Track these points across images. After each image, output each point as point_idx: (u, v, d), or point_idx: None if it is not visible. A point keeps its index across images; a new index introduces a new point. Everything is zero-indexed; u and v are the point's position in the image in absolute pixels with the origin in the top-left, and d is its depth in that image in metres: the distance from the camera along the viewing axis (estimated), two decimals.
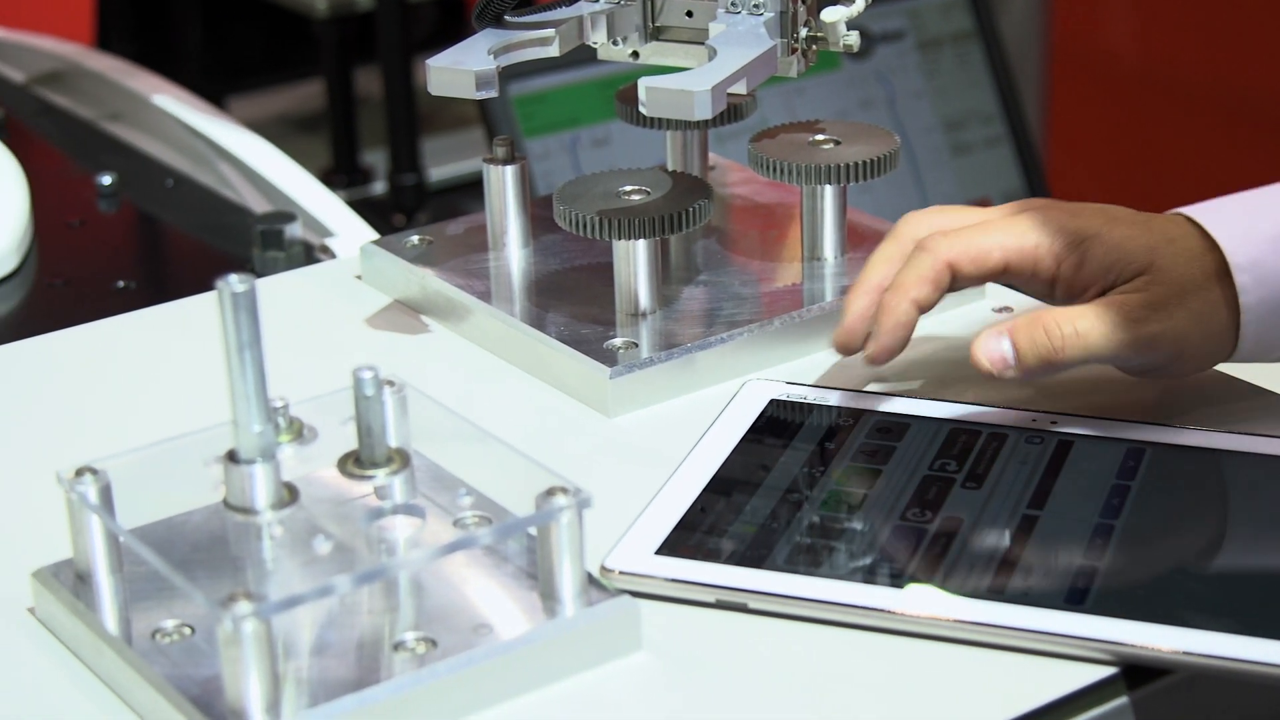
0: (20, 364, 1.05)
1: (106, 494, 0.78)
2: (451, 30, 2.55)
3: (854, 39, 1.00)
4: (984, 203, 1.95)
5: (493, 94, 0.98)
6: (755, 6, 0.99)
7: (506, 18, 1.01)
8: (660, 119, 1.10)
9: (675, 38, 1.03)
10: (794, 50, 1.00)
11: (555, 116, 1.78)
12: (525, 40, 1.01)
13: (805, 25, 1.00)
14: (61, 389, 1.02)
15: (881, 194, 1.89)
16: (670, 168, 1.14)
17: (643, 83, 0.93)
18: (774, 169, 1.04)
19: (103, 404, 1.00)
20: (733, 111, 1.11)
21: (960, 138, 1.94)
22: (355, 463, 0.81)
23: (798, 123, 1.08)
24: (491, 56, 0.98)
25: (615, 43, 1.03)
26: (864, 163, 1.04)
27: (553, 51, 1.02)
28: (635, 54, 1.03)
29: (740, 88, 0.95)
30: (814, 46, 1.01)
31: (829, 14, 0.99)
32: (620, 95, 1.11)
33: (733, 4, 0.99)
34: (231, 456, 0.77)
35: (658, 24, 1.03)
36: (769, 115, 1.85)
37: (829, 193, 1.06)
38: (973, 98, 1.95)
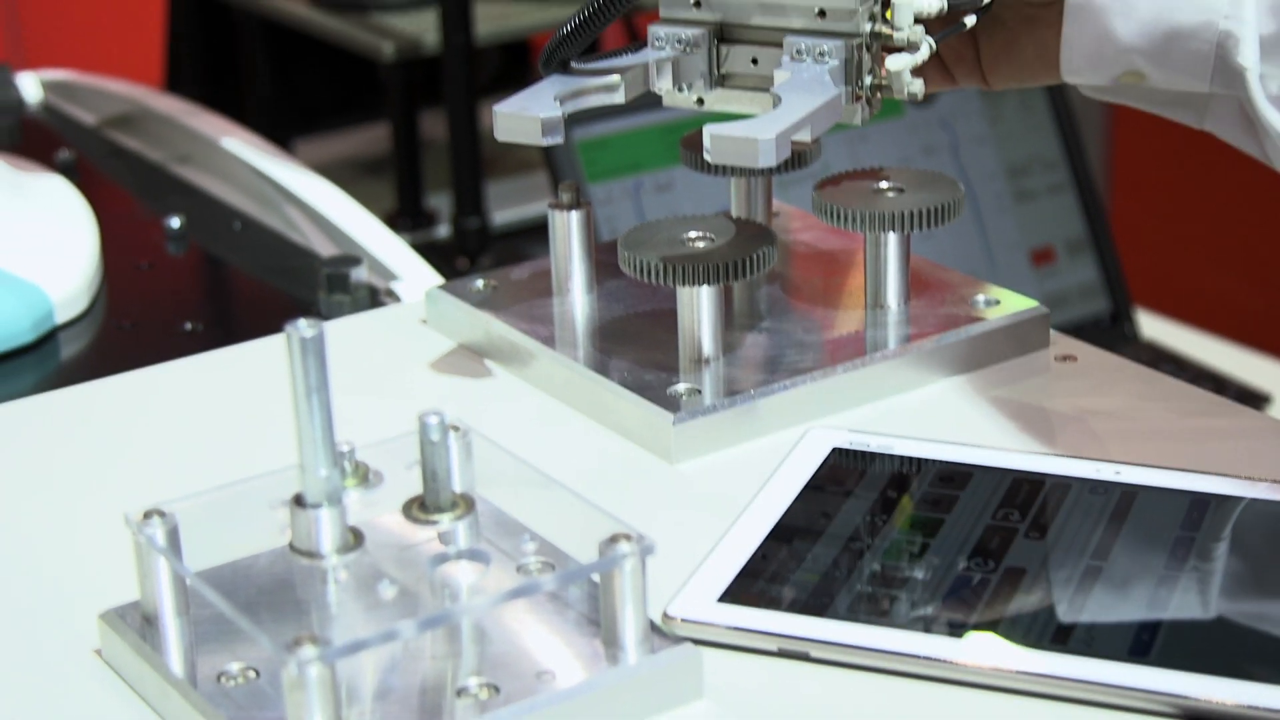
0: (89, 406, 1.06)
1: (174, 537, 0.78)
2: (516, 74, 2.56)
3: (918, 87, 1.00)
4: (1047, 251, 1.94)
5: (558, 140, 0.98)
6: (820, 54, 0.98)
7: (573, 64, 1.02)
8: (723, 165, 1.10)
9: (740, 85, 1.03)
10: (858, 98, 1.00)
11: (619, 161, 1.79)
12: (591, 87, 1.01)
13: (870, 73, 1.00)
14: (129, 431, 1.03)
15: (944, 241, 1.89)
16: (734, 214, 1.14)
17: (708, 130, 0.93)
18: (838, 216, 1.04)
19: (170, 447, 1.00)
20: (796, 158, 1.11)
21: (1023, 184, 1.94)
22: (420, 507, 0.82)
23: (861, 170, 1.09)
24: (557, 103, 0.99)
25: (680, 89, 1.03)
26: (927, 210, 1.04)
27: (618, 98, 1.02)
28: (700, 101, 1.03)
29: (804, 135, 0.95)
30: (878, 94, 1.01)
31: (893, 62, 0.99)
32: (685, 141, 1.11)
33: (798, 51, 0.98)
34: (298, 500, 0.77)
35: (723, 71, 1.03)
36: (832, 162, 1.85)
37: (892, 240, 1.06)
38: (1036, 144, 1.95)
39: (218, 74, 2.41)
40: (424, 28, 2.11)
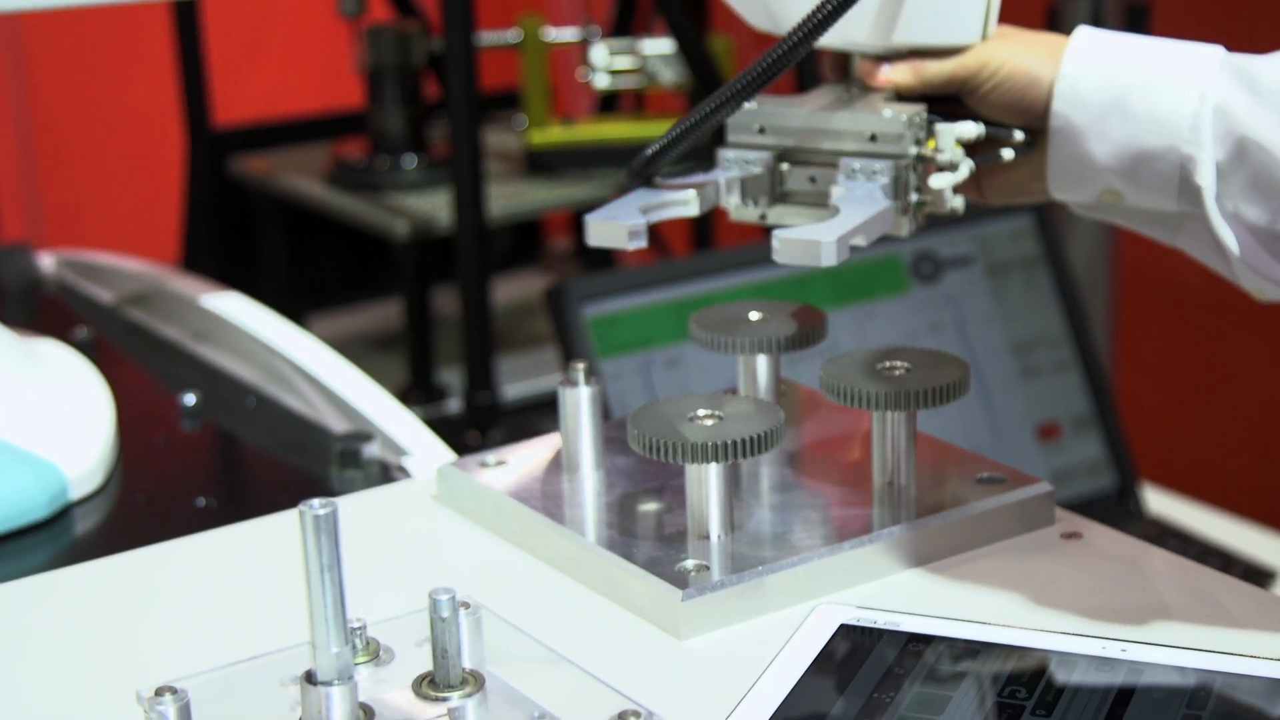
0: (102, 583, 1.06)
1: (185, 713, 0.79)
2: (527, 251, 2.59)
3: (959, 202, 1.08)
4: (1053, 427, 1.96)
5: (642, 245, 1.05)
6: (872, 173, 1.06)
7: (655, 179, 1.09)
8: (732, 343, 1.12)
9: (799, 201, 1.10)
10: (905, 212, 1.08)
11: (628, 338, 1.81)
12: (670, 201, 1.08)
13: (916, 190, 1.07)
14: (142, 608, 1.03)
15: (951, 416, 1.90)
16: (743, 391, 1.16)
17: (776, 233, 0.99)
18: (845, 394, 1.06)
19: (183, 623, 1.01)
20: (804, 337, 1.13)
21: (1029, 361, 1.96)
22: (430, 684, 0.82)
23: (867, 349, 1.10)
24: (641, 214, 1.05)
25: (745, 204, 1.10)
26: (934, 389, 1.05)
27: (692, 211, 1.09)
28: (763, 215, 1.11)
29: (860, 240, 1.02)
30: (923, 209, 1.08)
31: (936, 180, 1.07)
32: (694, 319, 1.13)
33: (853, 170, 1.07)
34: (309, 678, 0.78)
35: (784, 189, 1.10)
36: (840, 338, 1.87)
37: (899, 418, 1.07)
38: (1041, 322, 1.97)
39: (233, 252, 2.44)
40: (437, 207, 2.14)
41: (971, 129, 1.07)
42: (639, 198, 1.07)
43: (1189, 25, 2.49)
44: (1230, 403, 2.60)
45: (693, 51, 2.13)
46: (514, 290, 2.51)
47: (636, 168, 1.08)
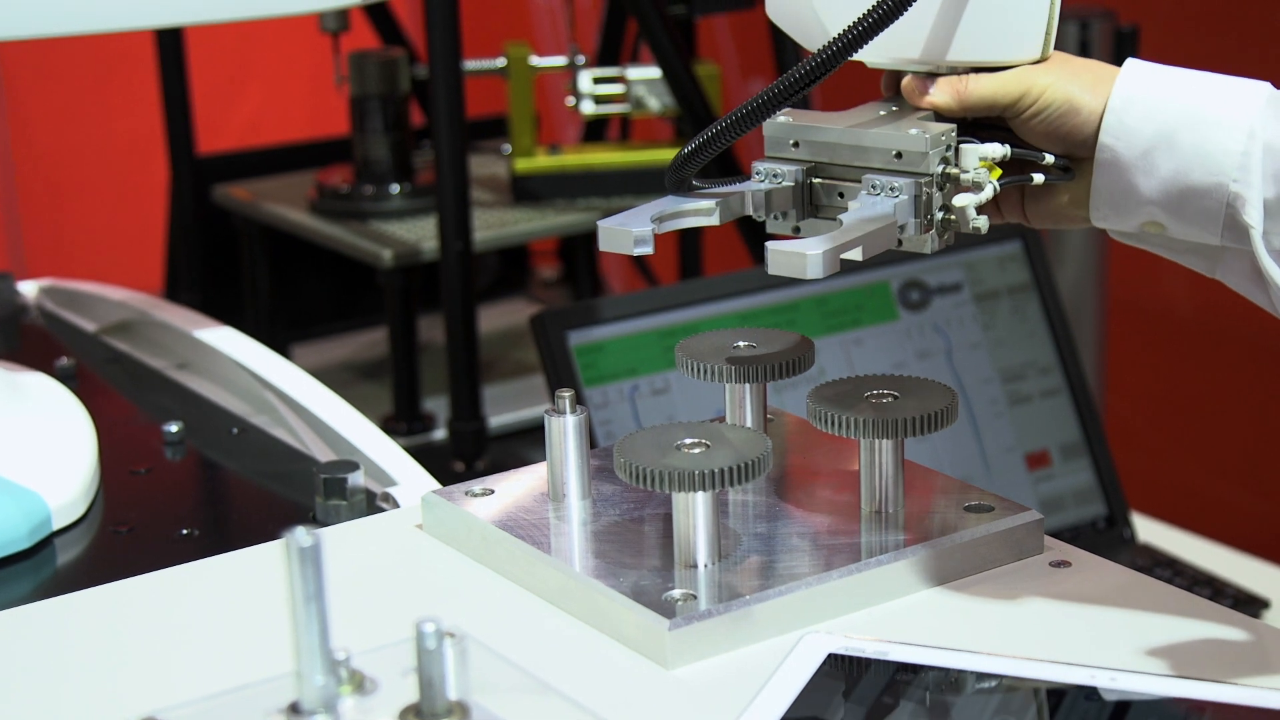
0: (85, 614, 1.06)
1: None
2: (513, 279, 2.58)
3: (982, 223, 1.07)
4: (1043, 455, 1.95)
5: (648, 251, 1.05)
6: (891, 189, 1.06)
7: (694, 182, 1.10)
8: (719, 372, 1.12)
9: (828, 215, 1.10)
10: (929, 229, 1.07)
11: (615, 366, 1.80)
12: (689, 210, 1.08)
13: (941, 209, 1.07)
14: (125, 639, 1.02)
15: (939, 445, 1.90)
16: (729, 419, 1.15)
17: (769, 245, 1.00)
18: (832, 423, 1.05)
19: (166, 653, 1.00)
20: (791, 365, 1.12)
21: (1018, 388, 1.95)
22: (416, 715, 0.82)
23: (854, 377, 1.10)
24: (654, 221, 1.06)
25: (776, 218, 1.10)
26: (921, 417, 1.05)
27: (713, 221, 1.09)
28: (797, 229, 1.11)
29: (856, 254, 1.02)
30: (948, 228, 1.08)
31: (959, 200, 1.07)
32: (681, 347, 1.13)
33: (873, 187, 1.07)
34: (294, 708, 0.77)
35: (814, 202, 1.11)
36: (827, 366, 1.86)
37: (887, 446, 1.07)
38: (1030, 349, 1.97)
39: (217, 280, 2.43)
40: (423, 235, 2.14)
41: (997, 150, 1.07)
42: (658, 206, 1.08)
43: (1178, 48, 2.50)
44: (1220, 431, 2.59)
45: (679, 78, 2.13)
46: (500, 318, 2.50)
47: (671, 173, 1.10)
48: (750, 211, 1.10)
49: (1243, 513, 2.59)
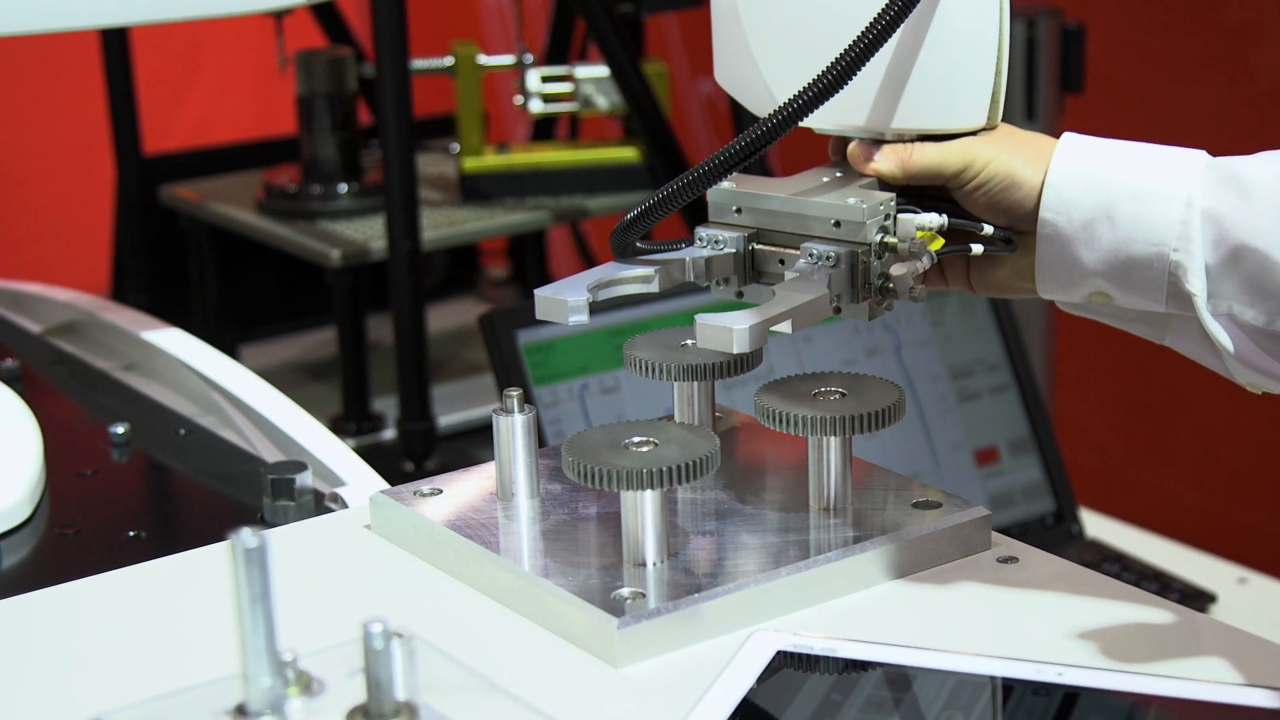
0: (30, 617, 1.05)
1: None
2: (463, 278, 2.58)
3: (919, 292, 1.08)
4: (991, 451, 1.96)
5: (582, 321, 1.06)
6: (828, 259, 1.06)
7: (639, 245, 1.11)
8: (667, 370, 1.12)
9: (770, 281, 1.10)
10: (866, 299, 1.08)
11: (564, 365, 1.80)
12: (628, 277, 1.09)
13: (880, 278, 1.07)
14: (72, 640, 1.02)
15: (888, 442, 1.90)
16: (678, 418, 1.15)
17: (698, 318, 1.01)
18: (780, 420, 1.05)
19: (113, 656, 1.00)
20: (740, 362, 1.13)
21: (966, 385, 1.96)
22: (364, 716, 0.81)
23: (803, 375, 1.10)
24: (590, 290, 1.06)
25: (718, 284, 1.11)
26: (869, 414, 1.05)
27: (653, 288, 1.10)
28: (740, 293, 1.12)
29: (785, 328, 1.02)
30: (886, 296, 1.08)
31: (896, 269, 1.07)
32: (629, 345, 1.13)
33: (810, 255, 1.07)
34: (240, 710, 0.77)
35: (757, 269, 1.11)
36: (776, 364, 1.86)
37: (834, 444, 1.07)
38: (978, 346, 1.97)
39: (165, 281, 2.42)
40: (371, 235, 2.13)
41: (934, 220, 1.07)
42: (595, 274, 1.08)
43: (1124, 46, 2.51)
44: (1168, 427, 2.61)
45: (627, 77, 2.13)
46: (450, 317, 2.49)
47: (614, 237, 1.10)
48: (691, 278, 1.11)
49: (1190, 508, 2.61)
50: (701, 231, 1.12)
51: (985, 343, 1.99)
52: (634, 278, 1.09)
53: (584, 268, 1.12)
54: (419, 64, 2.18)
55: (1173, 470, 2.64)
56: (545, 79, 2.24)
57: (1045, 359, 2.34)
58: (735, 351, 1.00)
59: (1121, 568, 1.90)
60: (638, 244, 1.11)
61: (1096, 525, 2.02)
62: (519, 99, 2.25)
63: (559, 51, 2.42)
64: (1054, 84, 2.26)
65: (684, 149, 2.18)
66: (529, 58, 2.25)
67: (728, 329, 0.99)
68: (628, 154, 2.23)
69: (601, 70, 2.20)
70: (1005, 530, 1.09)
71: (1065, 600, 1.01)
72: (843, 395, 1.07)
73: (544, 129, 2.46)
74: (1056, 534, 1.96)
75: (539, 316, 1.07)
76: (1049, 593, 1.02)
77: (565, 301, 1.05)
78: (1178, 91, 2.50)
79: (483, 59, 2.26)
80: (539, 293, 1.07)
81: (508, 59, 2.27)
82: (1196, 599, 1.86)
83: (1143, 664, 0.93)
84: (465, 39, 2.30)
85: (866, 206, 1.07)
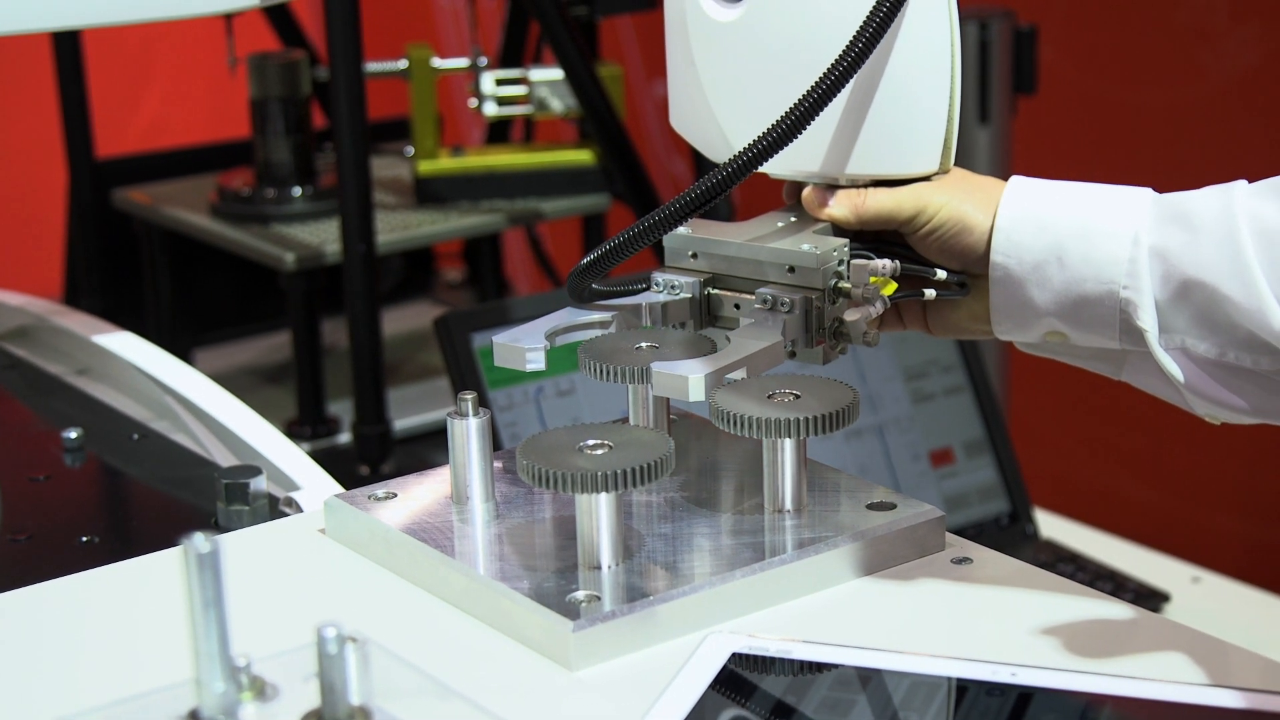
0: None
1: None
2: (418, 281, 2.58)
3: (873, 337, 1.10)
4: (946, 453, 1.96)
5: (540, 368, 1.09)
6: (781, 304, 1.09)
7: (595, 286, 1.13)
8: (621, 373, 1.12)
9: (725, 326, 1.13)
10: (820, 343, 1.10)
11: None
12: (587, 322, 1.12)
13: (834, 322, 1.10)
14: (24, 648, 1.01)
15: (843, 444, 1.91)
16: (633, 421, 1.15)
17: (652, 365, 1.04)
18: (734, 423, 1.06)
19: (66, 662, 0.99)
20: None
21: (921, 387, 1.96)
22: None
23: (758, 377, 1.10)
24: (548, 338, 1.09)
25: (674, 329, 1.13)
26: (823, 416, 1.05)
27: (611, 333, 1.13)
28: None
29: (739, 374, 1.04)
30: (840, 340, 1.11)
31: (849, 314, 1.10)
32: (584, 348, 1.13)
33: (764, 301, 1.10)
34: (194, 716, 0.77)
35: (713, 314, 1.14)
36: None
37: (788, 445, 1.07)
38: (933, 347, 1.98)
39: (118, 285, 2.41)
40: (325, 238, 2.12)
41: (887, 266, 1.09)
42: (553, 320, 1.11)
43: (1076, 48, 2.52)
44: (1121, 427, 2.62)
45: (581, 79, 2.13)
46: (405, 320, 2.49)
47: (571, 282, 1.12)
48: (648, 322, 1.14)
49: (1144, 508, 2.62)
50: (658, 276, 1.14)
51: (940, 344, 2.00)
52: (591, 323, 1.12)
53: (539, 271, 1.13)
54: (373, 67, 2.18)
55: (1127, 470, 2.65)
56: (500, 82, 2.23)
57: (1000, 360, 2.35)
58: (691, 400, 1.02)
59: (1076, 568, 1.91)
60: (594, 288, 1.13)
61: (1051, 526, 2.03)
62: (473, 102, 2.25)
63: (513, 54, 2.42)
64: (1007, 85, 2.27)
65: (639, 152, 2.18)
66: (483, 61, 2.25)
67: (683, 378, 1.02)
68: (583, 157, 2.23)
69: (556, 73, 2.20)
70: (961, 531, 1.09)
71: (1019, 600, 1.02)
72: (797, 397, 1.07)
73: (499, 132, 2.46)
74: (1011, 534, 1.96)
75: (497, 363, 1.10)
76: (1003, 593, 1.03)
77: (523, 350, 1.08)
78: (1129, 92, 2.51)
79: (437, 62, 2.26)
80: (497, 340, 1.10)
81: (462, 62, 2.27)
82: (1150, 598, 1.87)
83: (1097, 663, 0.93)
84: (419, 42, 2.30)
85: (820, 253, 1.09)
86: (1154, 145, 2.45)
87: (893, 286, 1.11)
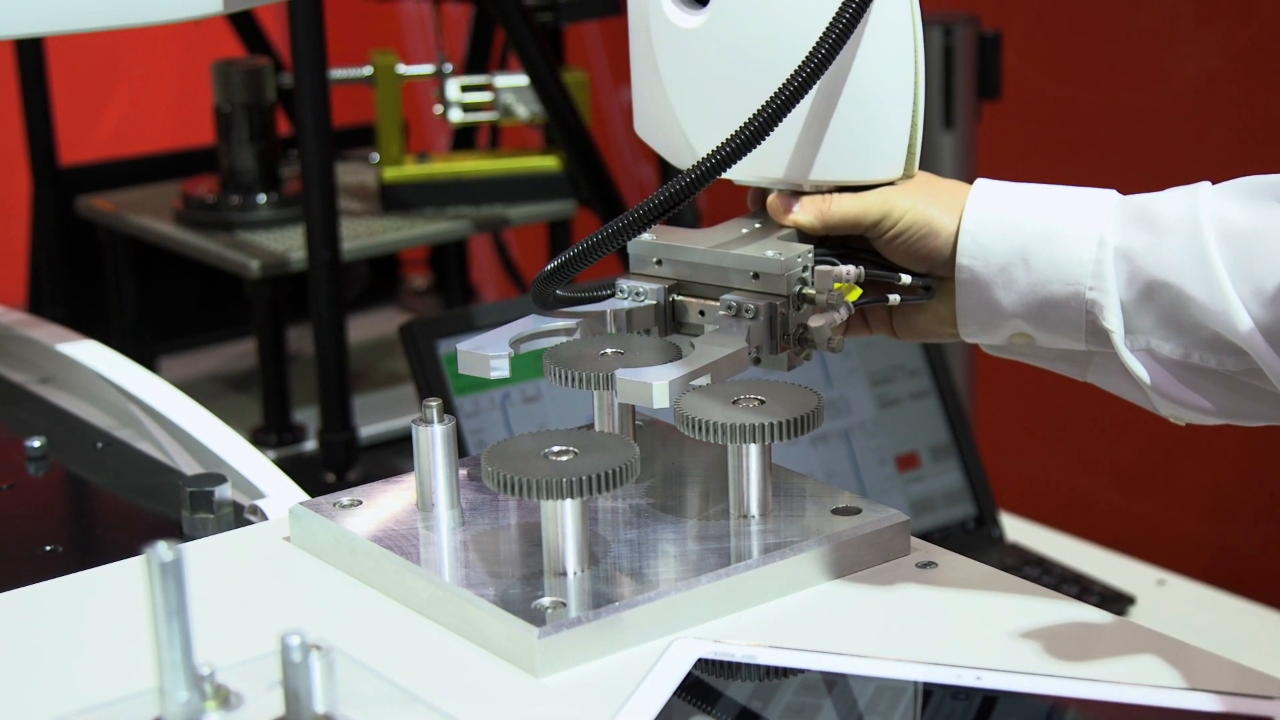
0: None
1: None
2: (384, 288, 2.57)
3: (837, 343, 1.10)
4: (912, 457, 1.97)
5: (504, 375, 1.08)
6: (746, 311, 1.09)
7: (559, 293, 1.13)
8: (586, 379, 1.12)
9: (690, 333, 1.13)
10: (784, 349, 1.10)
11: None
12: (551, 330, 1.12)
13: (799, 328, 1.10)
14: None
15: (809, 448, 1.91)
16: (598, 427, 1.15)
17: (617, 373, 1.03)
18: (699, 428, 1.06)
19: (28, 672, 0.99)
20: None
21: (887, 391, 1.97)
22: None
23: (723, 382, 1.10)
24: (512, 345, 1.09)
25: (639, 335, 1.13)
26: (788, 421, 1.05)
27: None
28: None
29: (704, 381, 1.04)
30: (804, 346, 1.11)
31: (814, 321, 1.09)
32: (549, 355, 1.13)
33: (729, 308, 1.10)
34: None
35: (678, 320, 1.14)
36: None
37: (753, 451, 1.07)
38: (898, 351, 1.98)
39: (82, 293, 2.40)
40: (290, 245, 2.12)
41: (851, 272, 1.10)
42: (517, 327, 1.11)
43: (1040, 53, 2.53)
44: (1087, 430, 2.63)
45: (547, 86, 2.13)
46: (371, 327, 2.48)
47: (535, 289, 1.12)
48: (613, 330, 1.14)
49: (1109, 511, 2.62)
50: (623, 283, 1.14)
51: (905, 349, 2.00)
52: (556, 330, 1.12)
53: (505, 277, 1.13)
54: (338, 74, 2.17)
55: (1092, 474, 2.66)
56: (465, 88, 2.23)
57: (965, 365, 2.35)
58: (656, 406, 1.02)
59: (1042, 571, 1.92)
60: (558, 294, 1.13)
61: (1017, 529, 2.04)
62: (439, 108, 2.25)
63: (479, 61, 2.42)
64: (971, 91, 2.27)
65: (605, 158, 2.18)
66: (448, 67, 2.25)
67: (648, 385, 1.02)
68: (548, 163, 2.23)
69: (521, 79, 2.19)
70: (927, 535, 1.10)
71: (984, 604, 1.02)
72: (762, 402, 1.07)
73: (464, 138, 2.46)
74: (977, 538, 1.97)
75: (461, 371, 1.10)
76: (968, 597, 1.03)
77: (487, 358, 1.08)
78: (1093, 97, 2.52)
79: (402, 68, 2.26)
80: (461, 348, 1.10)
81: (427, 68, 2.27)
82: (1116, 601, 1.87)
83: (1062, 666, 0.93)
84: (384, 48, 2.30)
85: (784, 259, 1.09)
86: (1118, 149, 2.46)
87: (857, 292, 1.11)
